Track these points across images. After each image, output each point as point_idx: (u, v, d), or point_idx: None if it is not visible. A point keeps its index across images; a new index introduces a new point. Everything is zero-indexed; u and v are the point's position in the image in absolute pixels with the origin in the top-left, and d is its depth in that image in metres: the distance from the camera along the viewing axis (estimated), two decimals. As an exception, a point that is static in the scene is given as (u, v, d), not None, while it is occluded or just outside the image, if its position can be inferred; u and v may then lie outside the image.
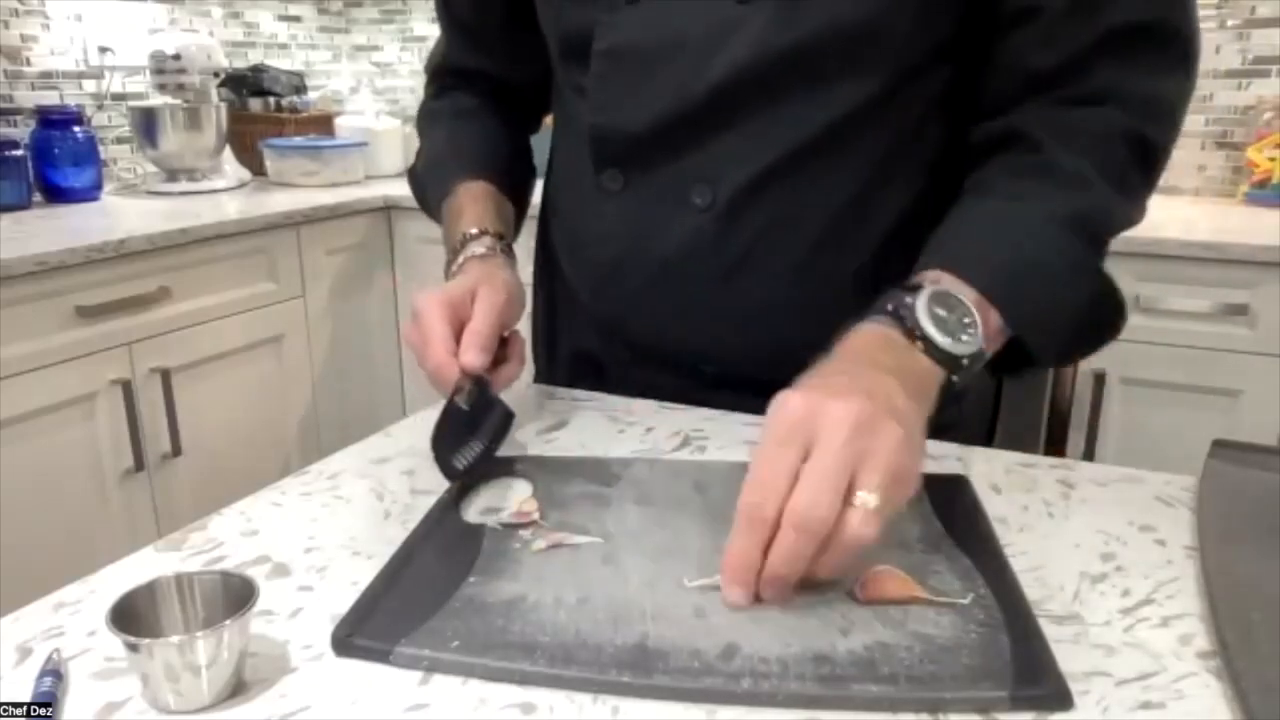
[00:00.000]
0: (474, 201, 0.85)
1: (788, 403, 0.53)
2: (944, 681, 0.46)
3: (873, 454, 0.50)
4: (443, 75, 0.98)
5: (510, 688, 0.47)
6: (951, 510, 0.63)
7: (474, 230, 0.81)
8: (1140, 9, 0.67)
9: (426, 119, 0.99)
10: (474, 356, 0.69)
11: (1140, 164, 0.69)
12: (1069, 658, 0.48)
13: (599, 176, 0.79)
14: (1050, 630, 0.50)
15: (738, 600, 0.51)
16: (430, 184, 0.93)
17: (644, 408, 0.82)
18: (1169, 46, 0.69)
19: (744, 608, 0.51)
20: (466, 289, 0.73)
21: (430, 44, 1.03)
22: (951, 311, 0.61)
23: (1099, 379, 1.79)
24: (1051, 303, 0.66)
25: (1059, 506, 0.65)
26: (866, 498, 0.49)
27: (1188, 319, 1.72)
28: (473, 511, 0.64)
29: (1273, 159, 2.04)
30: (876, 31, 0.69)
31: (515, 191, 0.92)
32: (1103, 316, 0.70)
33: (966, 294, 0.62)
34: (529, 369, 0.92)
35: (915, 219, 0.76)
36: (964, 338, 0.60)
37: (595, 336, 0.89)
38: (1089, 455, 1.82)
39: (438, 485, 0.67)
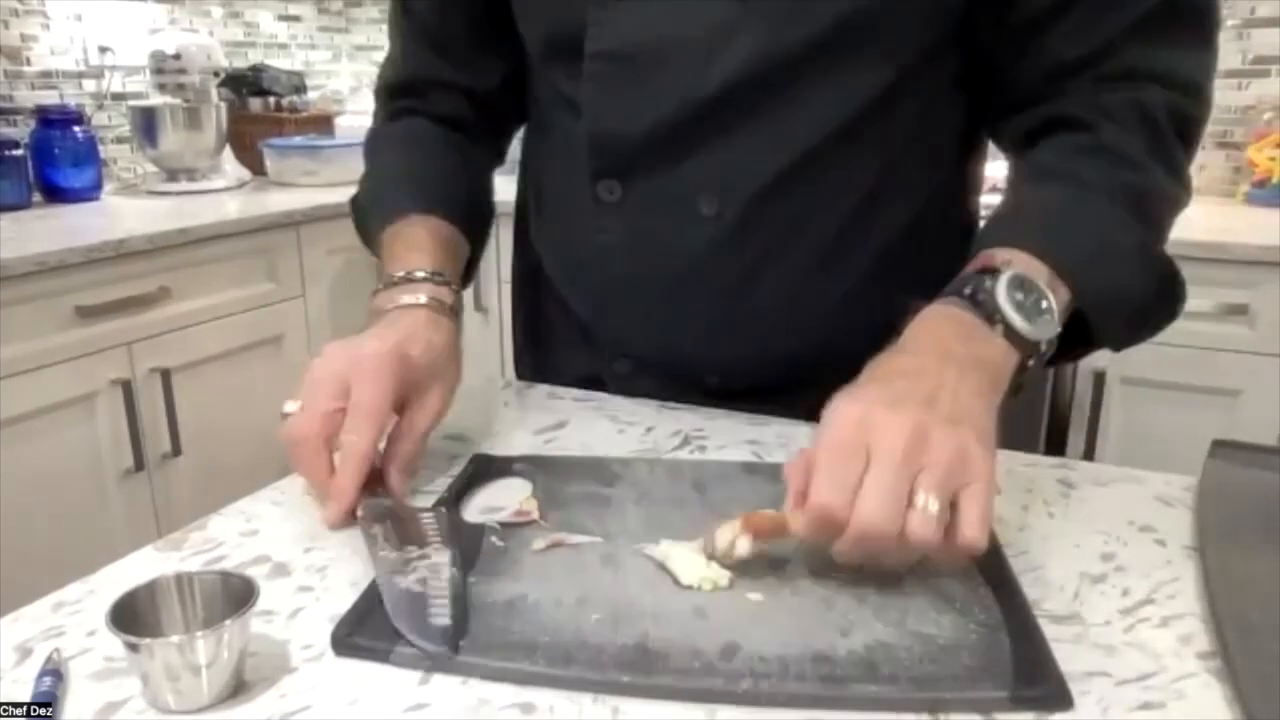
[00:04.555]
0: (430, 236, 0.77)
1: (843, 411, 0.53)
2: (944, 681, 0.46)
3: (930, 466, 0.50)
4: (399, 94, 0.89)
5: (510, 688, 0.46)
6: (951, 510, 0.63)
7: (425, 270, 0.73)
8: None
9: (376, 143, 0.90)
10: (396, 481, 0.65)
11: (1182, 140, 0.70)
12: (1069, 658, 0.48)
13: (594, 187, 0.76)
14: (1050, 630, 0.50)
15: None
16: (374, 209, 0.84)
17: (644, 408, 0.82)
18: (1192, 23, 0.69)
19: None
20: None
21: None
22: (1029, 295, 0.60)
23: (1099, 379, 1.79)
24: (1121, 282, 0.66)
25: (1059, 506, 0.65)
26: (925, 502, 0.50)
27: (1188, 319, 1.69)
28: (473, 511, 0.64)
29: (1273, 159, 2.04)
30: (883, 22, 0.68)
31: (472, 232, 0.84)
32: (1164, 299, 0.70)
33: (1040, 275, 0.61)
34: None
35: (927, 212, 0.76)
36: (1041, 321, 0.60)
37: (590, 358, 0.86)
38: (1089, 455, 1.82)
39: (438, 485, 0.67)
